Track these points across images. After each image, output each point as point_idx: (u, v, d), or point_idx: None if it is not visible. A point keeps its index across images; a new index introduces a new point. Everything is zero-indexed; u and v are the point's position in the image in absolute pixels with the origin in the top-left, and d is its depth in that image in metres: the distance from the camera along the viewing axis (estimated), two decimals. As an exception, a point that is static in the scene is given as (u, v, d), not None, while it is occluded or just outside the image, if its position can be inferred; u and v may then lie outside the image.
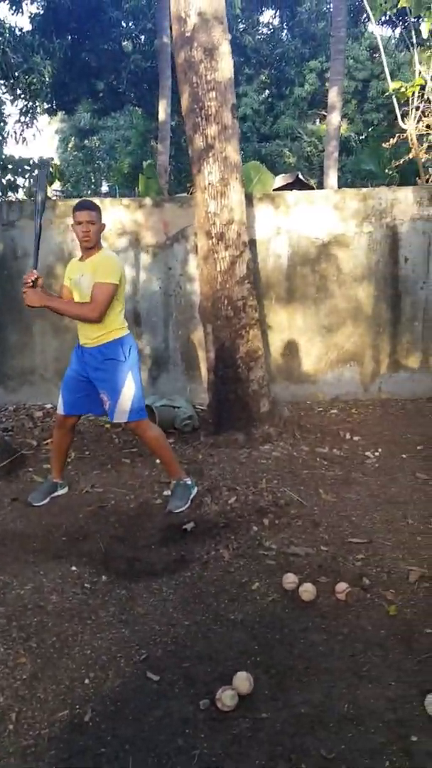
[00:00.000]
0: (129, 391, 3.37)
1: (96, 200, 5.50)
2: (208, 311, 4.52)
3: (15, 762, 1.82)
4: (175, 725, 1.92)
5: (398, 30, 17.42)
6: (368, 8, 7.28)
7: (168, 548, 3.10)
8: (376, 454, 4.39)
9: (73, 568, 2.88)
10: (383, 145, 7.48)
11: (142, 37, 16.87)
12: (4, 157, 5.82)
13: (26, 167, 5.67)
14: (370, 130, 19.60)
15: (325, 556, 2.99)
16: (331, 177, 12.32)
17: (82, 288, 3.34)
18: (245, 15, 18.13)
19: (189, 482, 3.63)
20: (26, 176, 5.72)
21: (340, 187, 12.50)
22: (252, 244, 5.23)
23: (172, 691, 2.08)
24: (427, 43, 6.52)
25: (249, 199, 5.35)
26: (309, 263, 5.58)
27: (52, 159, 5.85)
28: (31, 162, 5.69)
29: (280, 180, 11.65)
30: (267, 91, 21.83)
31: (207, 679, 2.12)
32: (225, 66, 4.26)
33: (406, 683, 2.07)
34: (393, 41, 18.89)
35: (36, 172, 5.67)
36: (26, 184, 5.83)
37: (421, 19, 6.63)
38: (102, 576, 2.82)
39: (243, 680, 2.03)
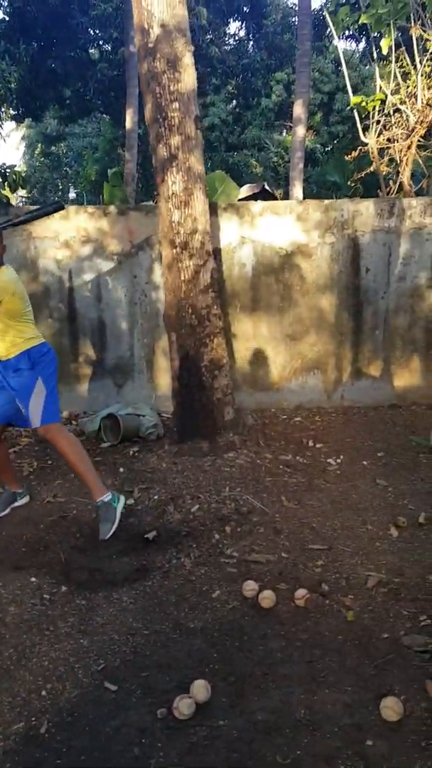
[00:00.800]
0: (38, 398, 3.31)
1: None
2: (173, 320, 4.54)
3: (-32, 777, 1.79)
4: (132, 735, 1.92)
5: (362, 44, 17.81)
6: (330, 23, 7.42)
7: (129, 558, 3.10)
8: (338, 461, 4.45)
9: (33, 578, 2.85)
10: (346, 157, 7.61)
11: (109, 46, 16.89)
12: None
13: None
14: (335, 142, 19.94)
15: (285, 563, 3.02)
16: (297, 188, 12.50)
17: None
18: (212, 26, 18.29)
19: (109, 498, 3.35)
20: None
21: (305, 197, 12.67)
22: (217, 253, 5.26)
23: (129, 700, 2.07)
24: (388, 59, 6.66)
25: (214, 209, 5.39)
26: (273, 272, 5.64)
27: (15, 166, 5.79)
28: (-5, 168, 5.66)
29: (246, 190, 11.76)
30: (234, 102, 22.02)
31: (165, 688, 2.12)
32: (188, 77, 4.30)
33: (363, 688, 2.11)
34: (357, 55, 19.27)
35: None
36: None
37: (381, 36, 6.78)
38: (62, 586, 2.80)
39: (201, 688, 2.03)
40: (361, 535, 3.29)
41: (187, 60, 4.28)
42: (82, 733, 1.94)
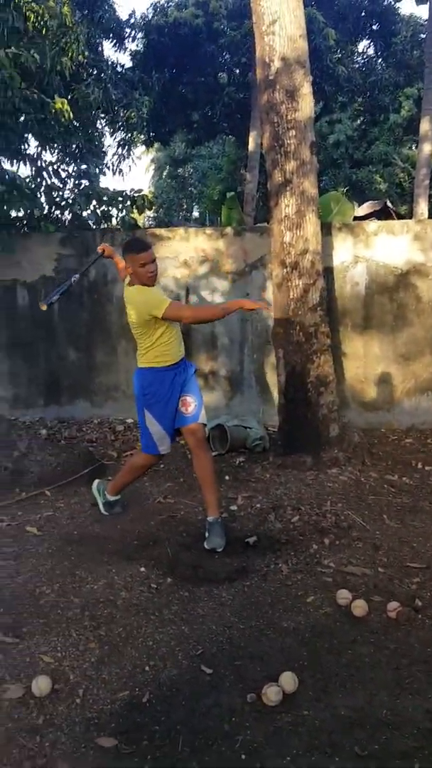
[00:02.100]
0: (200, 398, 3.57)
1: (181, 229, 5.87)
2: (281, 336, 4.72)
3: (80, 730, 2.05)
4: (223, 714, 2.10)
5: None
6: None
7: (230, 559, 3.30)
8: (446, 484, 4.40)
9: (142, 569, 3.13)
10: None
11: (237, 70, 17.48)
12: (99, 189, 6.30)
13: (119, 199, 6.12)
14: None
15: (381, 577, 3.08)
16: (422, 205, 12.29)
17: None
18: (340, 46, 18.41)
19: (220, 519, 3.51)
20: (119, 207, 6.17)
21: (430, 215, 12.43)
22: (329, 272, 5.40)
23: (222, 684, 2.26)
24: None
25: (328, 229, 5.53)
26: (387, 292, 5.68)
27: (142, 190, 6.25)
28: (124, 194, 6.13)
29: (366, 207, 11.73)
30: (361, 118, 21.93)
31: (256, 677, 2.29)
32: (305, 106, 4.50)
33: (447, 699, 2.16)
34: None
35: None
36: (119, 215, 6.28)
37: None
38: (168, 578, 3.05)
39: (289, 679, 2.18)
40: (462, 557, 3.28)
41: (306, 89, 4.49)
42: (178, 706, 2.15)
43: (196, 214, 25.94)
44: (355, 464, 4.72)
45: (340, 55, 18.99)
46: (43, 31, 6.47)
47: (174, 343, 3.48)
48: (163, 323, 3.37)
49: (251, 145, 13.62)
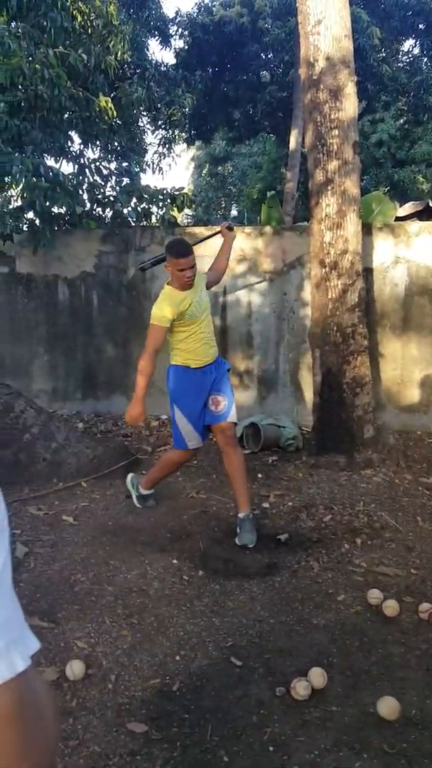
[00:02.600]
0: (233, 396, 3.62)
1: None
2: (317, 336, 4.72)
3: (111, 715, 2.11)
4: (252, 705, 2.14)
5: None
6: None
7: (261, 554, 3.33)
8: None
9: (175, 561, 3.18)
10: None
11: (280, 69, 17.43)
12: (140, 187, 6.38)
13: (160, 197, 6.18)
14: None
15: (413, 578, 3.07)
16: (464, 206, 12.08)
17: (203, 304, 3.56)
18: (384, 45, 18.20)
19: (252, 516, 3.54)
20: (159, 205, 6.23)
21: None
22: (368, 272, 5.36)
23: (251, 676, 2.29)
24: None
25: (368, 229, 5.50)
26: (427, 293, 5.61)
27: (183, 188, 6.30)
28: (164, 192, 6.20)
29: (408, 207, 11.54)
30: (404, 118, 21.64)
31: (285, 671, 2.31)
32: (349, 105, 4.49)
33: None
34: None
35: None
36: (159, 213, 6.34)
37: None
38: (199, 571, 3.09)
39: (318, 675, 2.20)
40: None
41: (350, 89, 4.47)
42: (208, 696, 2.19)
43: (234, 212, 25.95)
44: (390, 466, 4.69)
45: (384, 54, 18.76)
46: (89, 31, 6.58)
47: (200, 347, 3.54)
48: (183, 328, 3.48)
49: (292, 144, 13.57)
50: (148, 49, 10.33)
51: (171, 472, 3.94)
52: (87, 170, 6.87)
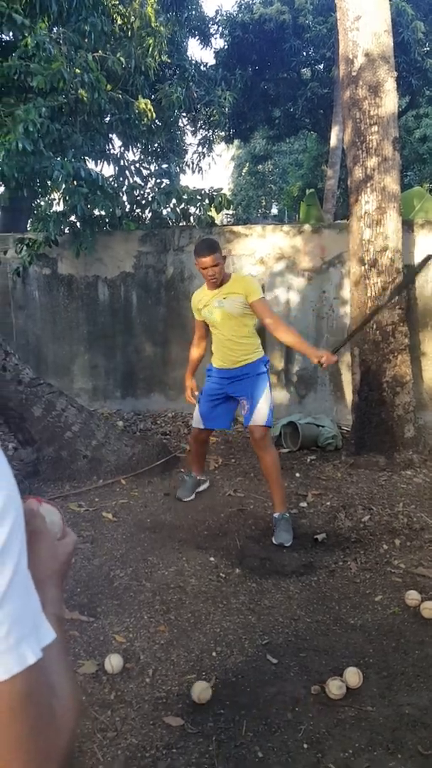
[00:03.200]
0: (266, 402, 3.59)
1: (258, 226, 5.91)
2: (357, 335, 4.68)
3: (148, 708, 2.15)
4: (287, 702, 2.15)
5: None
6: None
7: (298, 554, 3.33)
8: None
9: (212, 558, 3.21)
10: None
11: (321, 65, 17.28)
12: (179, 187, 6.42)
13: (198, 197, 6.21)
14: None
15: (453, 580, 3.03)
16: None
17: (224, 309, 3.57)
18: (429, 38, 17.85)
19: (288, 515, 3.56)
20: (197, 205, 6.26)
21: None
22: (409, 270, 5.29)
23: (287, 674, 2.30)
24: None
25: (410, 226, 5.43)
26: (469, 291, 5.51)
27: (221, 189, 6.31)
28: (202, 192, 6.23)
29: (451, 203, 11.36)
30: (449, 112, 21.21)
31: (320, 670, 2.31)
32: (389, 101, 4.43)
33: None
34: None
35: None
36: (197, 213, 6.37)
37: None
38: (236, 569, 3.11)
39: (353, 674, 2.20)
40: None
41: (389, 85, 4.42)
42: (243, 692, 2.21)
43: (275, 210, 25.87)
44: (431, 467, 4.63)
45: (429, 48, 18.41)
46: (129, 33, 6.65)
47: (219, 350, 3.70)
48: (210, 327, 3.76)
49: (333, 141, 13.46)
50: (187, 50, 10.38)
51: (198, 451, 4.06)
52: (127, 172, 6.96)
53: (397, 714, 2.07)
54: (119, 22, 6.54)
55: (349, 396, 5.64)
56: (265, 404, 3.57)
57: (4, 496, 0.54)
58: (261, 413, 3.55)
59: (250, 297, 3.51)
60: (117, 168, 7.24)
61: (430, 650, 2.44)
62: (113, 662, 2.32)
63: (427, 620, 2.67)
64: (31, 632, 0.53)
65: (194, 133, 11.49)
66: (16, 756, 0.51)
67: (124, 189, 6.40)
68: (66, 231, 6.06)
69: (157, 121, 7.45)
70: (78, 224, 6.02)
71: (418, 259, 5.50)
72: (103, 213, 6.18)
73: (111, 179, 6.22)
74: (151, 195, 6.57)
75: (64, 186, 5.38)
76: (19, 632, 0.52)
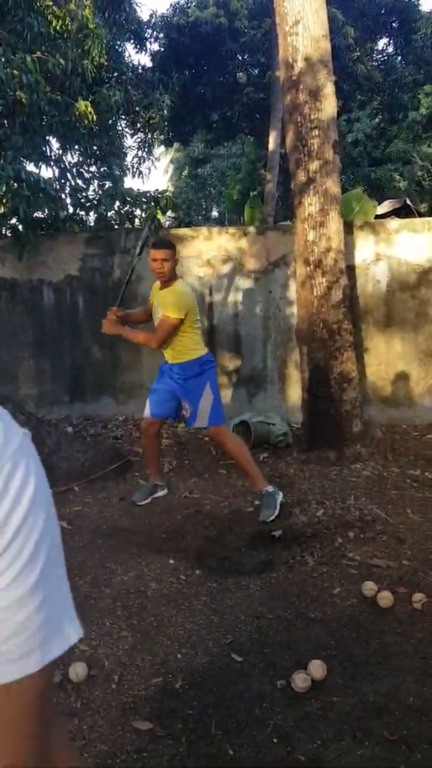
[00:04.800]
0: (206, 402, 3.71)
1: (204, 229, 5.94)
2: (304, 333, 4.77)
3: (116, 714, 2.13)
4: (254, 699, 2.17)
5: None
6: None
7: (257, 551, 3.36)
8: (468, 478, 4.42)
9: (171, 561, 3.20)
10: None
11: (256, 70, 17.50)
12: (123, 190, 6.39)
13: (143, 200, 6.20)
14: None
15: (406, 569, 3.12)
16: (441, 202, 12.22)
17: (156, 314, 3.78)
18: (359, 44, 18.34)
19: (271, 489, 3.81)
20: (143, 207, 6.25)
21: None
22: (351, 270, 5.42)
23: (252, 671, 2.32)
24: None
25: (350, 227, 5.56)
26: (409, 289, 5.68)
27: (166, 191, 6.33)
28: (147, 195, 6.22)
29: (387, 205, 11.68)
30: (379, 116, 21.83)
31: (285, 665, 2.34)
32: (328, 106, 4.54)
33: (474, 688, 2.20)
34: None
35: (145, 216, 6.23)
36: (142, 215, 6.36)
37: None
38: (196, 570, 3.12)
39: (317, 667, 2.24)
40: None
41: (329, 89, 4.52)
42: (210, 692, 2.22)
43: (215, 213, 26.02)
44: (378, 459, 4.75)
45: (359, 53, 18.91)
46: (65, 35, 6.57)
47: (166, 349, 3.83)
48: None
49: (271, 145, 13.65)
50: (124, 53, 10.32)
51: (149, 444, 4.04)
52: (68, 174, 6.87)
53: (362, 702, 2.12)
54: (55, 23, 6.46)
55: (297, 393, 5.73)
56: (206, 405, 3.70)
57: (34, 484, 0.56)
58: (201, 417, 3.72)
59: (164, 310, 3.65)
60: (58, 170, 7.14)
61: (390, 638, 2.51)
62: (78, 670, 2.29)
63: (385, 609, 2.74)
64: (53, 634, 0.55)
65: (133, 135, 11.44)
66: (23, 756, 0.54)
67: (66, 191, 6.31)
68: (8, 234, 5.93)
69: (96, 123, 7.38)
70: (20, 227, 5.90)
71: (359, 259, 5.65)
72: (45, 215, 6.08)
73: (52, 181, 6.12)
74: (95, 198, 6.51)
75: (5, 188, 5.26)
76: (43, 635, 0.54)
